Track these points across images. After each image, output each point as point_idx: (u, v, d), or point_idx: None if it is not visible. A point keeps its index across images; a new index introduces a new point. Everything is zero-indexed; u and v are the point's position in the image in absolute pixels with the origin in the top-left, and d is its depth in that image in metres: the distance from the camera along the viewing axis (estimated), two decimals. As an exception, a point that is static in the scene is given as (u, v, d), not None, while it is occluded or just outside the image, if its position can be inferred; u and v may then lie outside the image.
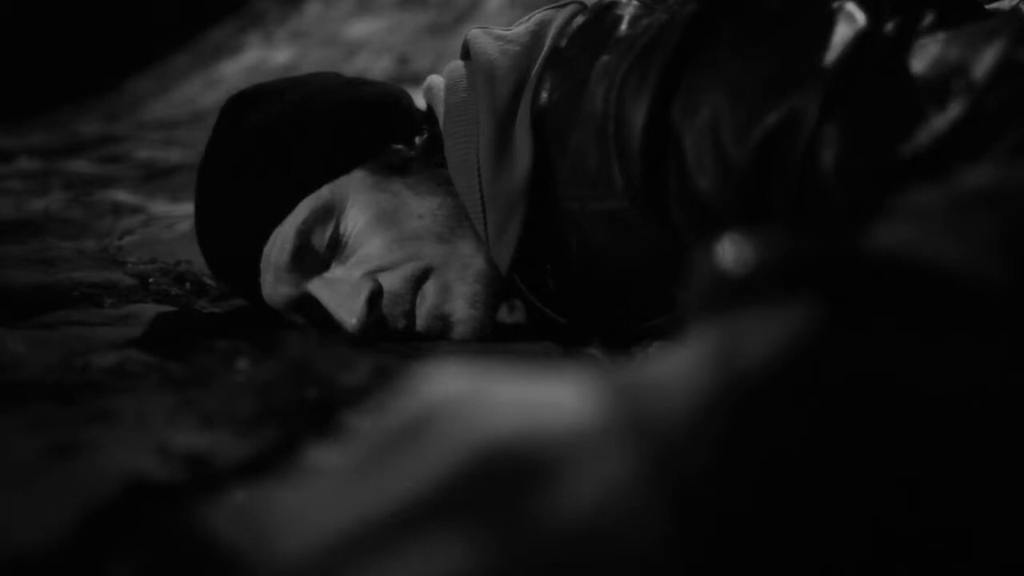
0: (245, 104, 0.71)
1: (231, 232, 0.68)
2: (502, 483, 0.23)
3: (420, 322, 0.67)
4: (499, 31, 0.69)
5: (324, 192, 0.66)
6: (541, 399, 0.26)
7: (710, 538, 0.22)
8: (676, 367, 0.26)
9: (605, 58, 0.57)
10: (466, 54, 0.70)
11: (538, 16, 0.67)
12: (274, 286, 0.67)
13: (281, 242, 0.66)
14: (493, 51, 0.65)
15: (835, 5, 0.50)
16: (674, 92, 0.52)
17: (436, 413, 0.26)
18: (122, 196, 1.59)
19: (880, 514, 0.22)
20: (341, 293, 0.65)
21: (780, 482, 0.22)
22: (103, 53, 3.78)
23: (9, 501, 0.32)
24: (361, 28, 3.34)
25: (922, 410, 0.23)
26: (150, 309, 0.76)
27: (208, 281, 0.90)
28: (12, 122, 2.74)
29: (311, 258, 0.67)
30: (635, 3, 0.59)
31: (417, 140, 0.69)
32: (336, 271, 0.67)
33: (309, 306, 0.68)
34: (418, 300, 0.67)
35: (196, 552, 0.31)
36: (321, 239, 0.66)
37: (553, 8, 0.67)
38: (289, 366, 0.50)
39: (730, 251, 0.28)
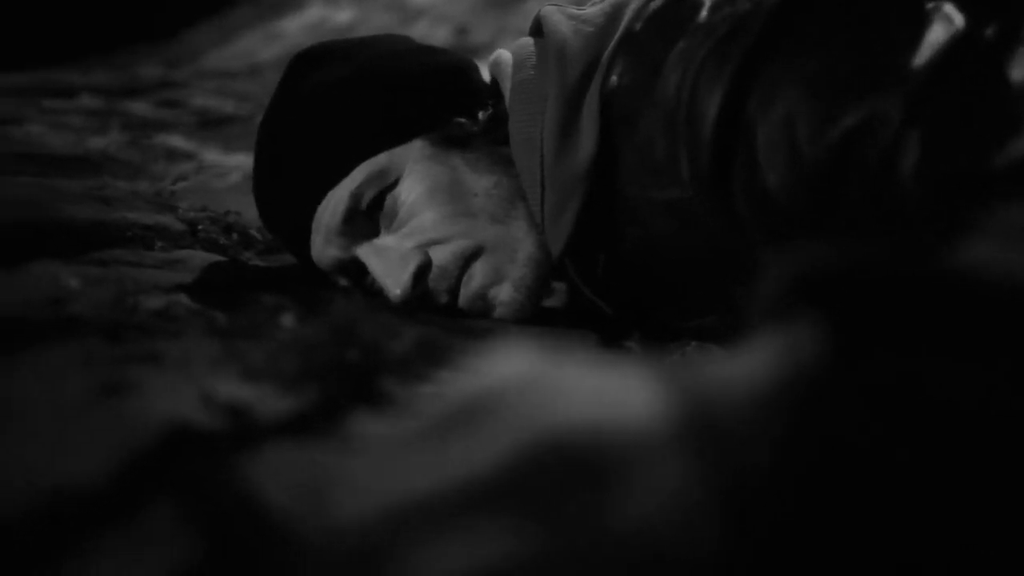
0: (312, 62, 0.71)
1: (287, 189, 0.68)
2: (564, 475, 0.22)
3: (464, 300, 0.66)
4: (573, 10, 0.67)
5: (382, 158, 0.65)
6: (606, 391, 0.26)
7: (762, 540, 0.22)
8: (738, 370, 0.25)
9: (682, 44, 0.55)
10: (536, 31, 0.69)
11: None
12: (323, 247, 0.67)
13: (335, 204, 0.66)
14: (567, 30, 0.64)
15: (932, 4, 0.48)
16: (751, 84, 0.51)
17: (503, 395, 0.26)
18: (177, 141, 1.61)
19: (937, 521, 0.22)
20: (389, 261, 0.65)
21: (833, 489, 0.22)
22: (167, -1, 3.83)
23: (59, 436, 0.32)
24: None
25: (977, 423, 0.23)
26: (198, 256, 0.77)
27: (255, 234, 0.91)
28: (77, 59, 2.79)
29: (362, 223, 0.66)
30: None
31: (480, 115, 0.68)
32: (386, 239, 0.67)
33: (355, 271, 0.69)
34: (465, 278, 0.66)
35: (239, 507, 0.32)
36: (374, 205, 0.66)
37: None
38: (334, 327, 0.50)
39: (794, 259, 0.28)
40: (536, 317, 0.69)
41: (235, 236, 0.90)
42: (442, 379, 0.45)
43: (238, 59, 3.26)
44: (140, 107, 1.96)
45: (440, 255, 0.65)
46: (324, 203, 0.66)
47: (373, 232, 0.67)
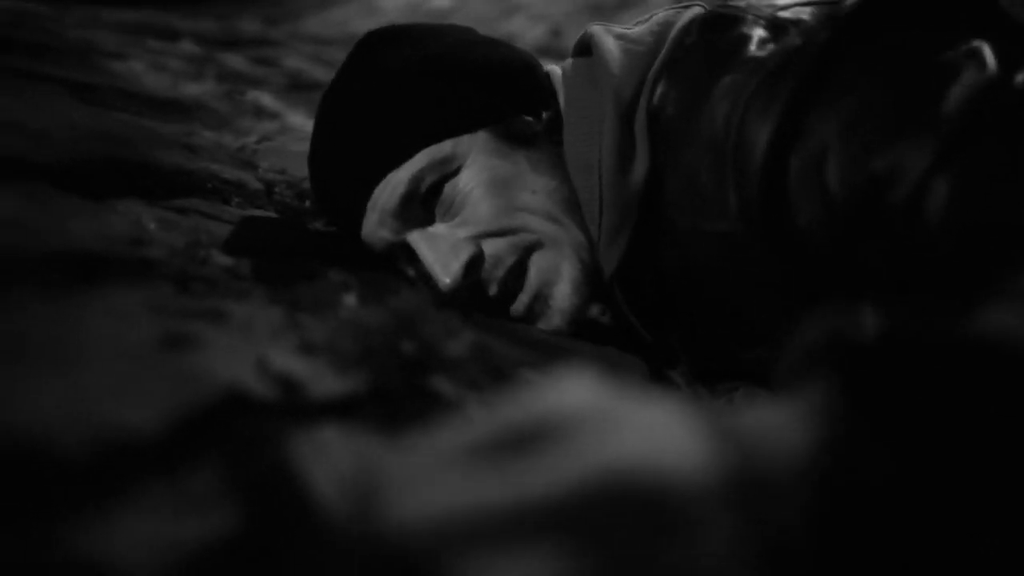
0: (384, 43, 0.71)
1: (346, 166, 0.68)
2: (616, 512, 0.23)
3: (522, 297, 0.66)
4: (620, 29, 0.67)
5: (446, 146, 0.65)
6: (662, 435, 0.27)
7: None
8: (776, 430, 0.27)
9: (729, 78, 0.55)
10: (582, 50, 0.69)
11: (660, 16, 0.66)
12: (376, 228, 0.67)
13: (393, 186, 0.65)
14: (616, 50, 0.64)
15: (968, 48, 0.48)
16: (799, 121, 0.51)
17: (566, 423, 0.26)
18: (265, 100, 1.64)
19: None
20: (440, 250, 0.64)
21: (860, 550, 0.24)
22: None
23: (121, 380, 0.33)
24: (524, -7, 3.33)
25: (1002, 486, 0.24)
26: (271, 219, 0.78)
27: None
28: (184, 5, 2.87)
29: (418, 208, 0.66)
30: (761, 21, 0.57)
31: (544, 115, 0.68)
32: (439, 227, 0.66)
33: (406, 255, 0.68)
34: (524, 275, 0.65)
35: (282, 485, 0.32)
36: (432, 192, 0.65)
37: (675, 8, 0.65)
38: (394, 316, 0.50)
39: (827, 323, 0.29)
40: (581, 333, 0.68)
41: (308, 203, 0.92)
42: (496, 389, 0.44)
43: (334, 27, 3.32)
44: (236, 60, 2.01)
45: (494, 247, 0.65)
46: (383, 184, 0.65)
47: (427, 220, 0.67)
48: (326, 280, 0.56)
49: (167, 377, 0.35)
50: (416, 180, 0.65)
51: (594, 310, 0.74)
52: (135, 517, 0.28)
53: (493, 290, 0.65)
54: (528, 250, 0.65)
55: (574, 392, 0.28)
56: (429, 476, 0.25)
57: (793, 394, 0.28)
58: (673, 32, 0.62)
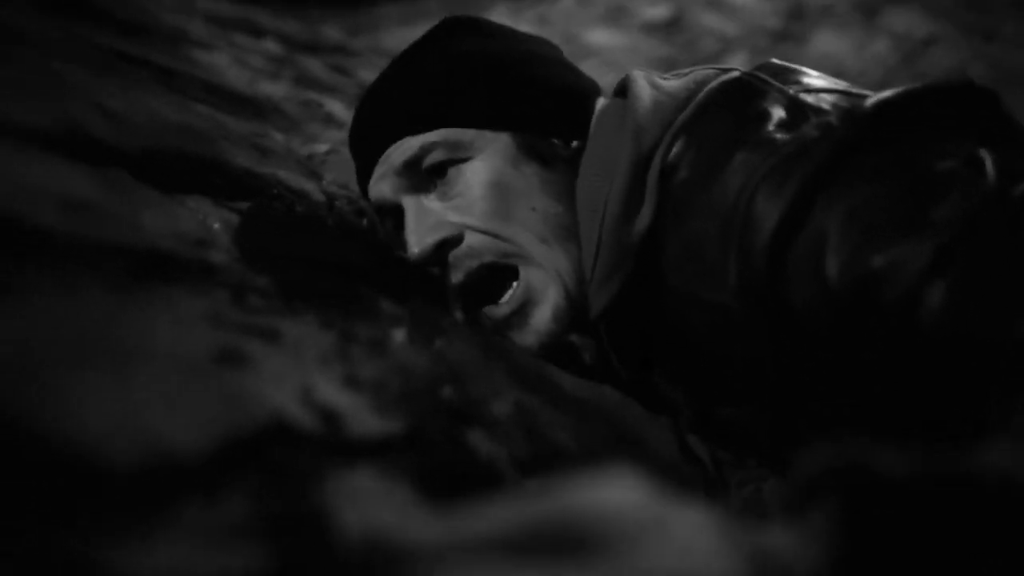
0: (461, 26, 0.75)
1: (378, 118, 0.72)
2: None
3: (503, 306, 0.67)
4: (658, 79, 0.69)
5: (467, 133, 0.68)
6: (697, 556, 0.27)
7: None
8: (804, 555, 0.27)
9: (744, 154, 0.56)
10: (620, 92, 0.71)
11: (699, 74, 0.67)
12: (378, 181, 0.71)
13: (405, 147, 0.68)
14: (647, 98, 0.65)
15: (971, 156, 0.50)
16: (808, 208, 0.53)
17: (605, 529, 0.25)
18: (337, 109, 1.67)
19: None
20: (423, 222, 0.67)
21: None
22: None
23: (173, 394, 0.33)
24: (602, 37, 3.37)
25: None
26: (331, 235, 0.79)
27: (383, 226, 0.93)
28: (274, 4, 2.96)
29: (420, 175, 0.69)
30: (784, 100, 0.59)
31: (573, 144, 0.70)
32: (434, 202, 0.69)
33: (395, 216, 0.72)
34: (507, 281, 0.67)
35: (310, 526, 0.31)
36: (437, 169, 0.68)
37: (715, 69, 0.67)
38: (441, 361, 0.50)
39: (831, 453, 0.30)
40: (560, 357, 0.69)
41: (365, 222, 0.93)
42: (532, 454, 0.43)
43: (412, 45, 3.38)
44: (314, 65, 2.06)
45: (476, 240, 0.67)
46: (398, 143, 0.69)
47: (425, 189, 0.69)
48: (378, 310, 0.56)
49: (216, 396, 0.35)
50: (425, 149, 0.68)
51: (574, 339, 0.75)
52: (168, 541, 0.28)
53: (458, 277, 0.67)
54: (507, 258, 0.67)
55: (614, 494, 0.28)
56: (459, 564, 0.24)
57: (805, 520, 0.30)
58: (702, 93, 0.63)
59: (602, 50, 3.38)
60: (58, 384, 0.29)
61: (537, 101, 0.70)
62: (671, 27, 3.34)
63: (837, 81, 0.63)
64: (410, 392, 0.45)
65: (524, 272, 0.67)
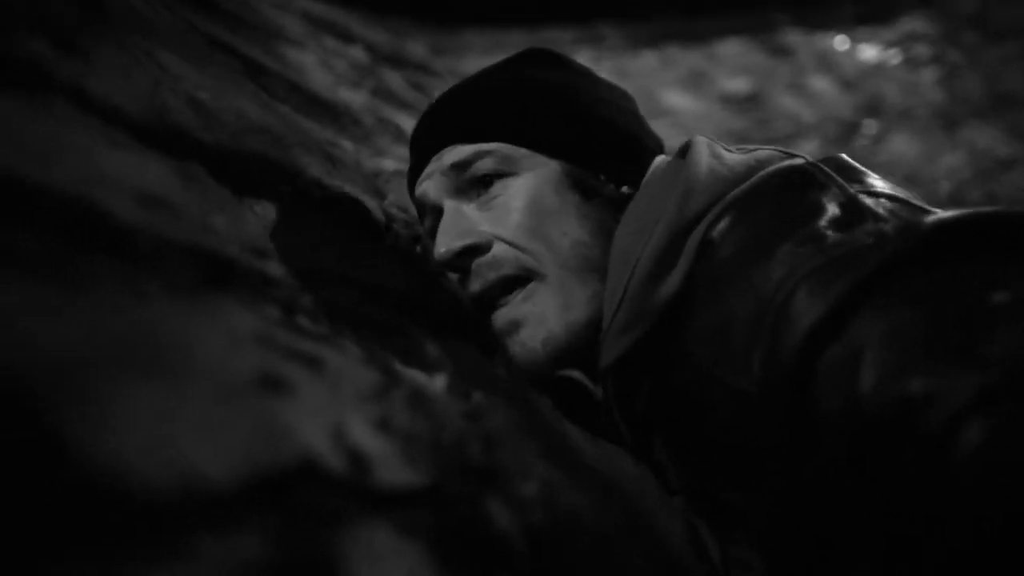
0: (543, 55, 0.77)
1: (447, 116, 0.74)
2: None
3: (504, 312, 0.68)
4: (721, 148, 0.69)
5: (520, 151, 0.70)
6: None
7: None
8: None
9: (792, 246, 0.55)
10: (682, 153, 0.71)
11: (763, 154, 0.67)
12: (426, 179, 0.73)
13: (459, 151, 0.70)
14: (704, 166, 0.65)
15: None
16: (850, 315, 0.51)
17: None
18: (408, 125, 1.70)
19: None
20: (456, 224, 0.69)
21: None
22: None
23: (212, 421, 0.32)
24: (678, 100, 3.38)
25: None
26: (385, 259, 0.79)
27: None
28: (366, 10, 3.03)
29: (465, 181, 0.71)
30: (842, 198, 0.58)
31: (623, 189, 0.71)
32: (472, 209, 0.70)
33: (432, 215, 0.74)
34: (516, 297, 0.68)
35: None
36: (483, 181, 0.70)
37: (781, 152, 0.66)
38: (475, 418, 0.49)
39: None
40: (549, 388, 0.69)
41: (419, 248, 0.93)
42: (550, 535, 0.42)
43: (490, 73, 3.43)
44: (394, 79, 2.10)
45: (503, 251, 0.68)
46: (452, 147, 0.71)
47: (467, 195, 0.71)
48: (423, 352, 0.56)
49: (252, 425, 0.35)
50: (477, 156, 0.70)
51: (575, 374, 0.75)
52: (183, 572, 0.28)
53: (475, 287, 0.69)
54: (525, 276, 0.68)
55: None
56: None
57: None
58: (762, 173, 0.63)
59: (676, 112, 3.40)
60: (102, 396, 0.29)
61: (597, 139, 0.71)
62: (748, 102, 3.35)
63: (901, 190, 0.62)
64: (440, 446, 0.45)
65: (533, 287, 0.68)
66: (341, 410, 0.42)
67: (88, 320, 0.33)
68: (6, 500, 0.24)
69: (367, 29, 2.56)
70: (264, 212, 0.64)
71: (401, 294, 0.71)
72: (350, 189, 0.90)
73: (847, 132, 3.21)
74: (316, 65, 1.56)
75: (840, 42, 3.72)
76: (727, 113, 3.26)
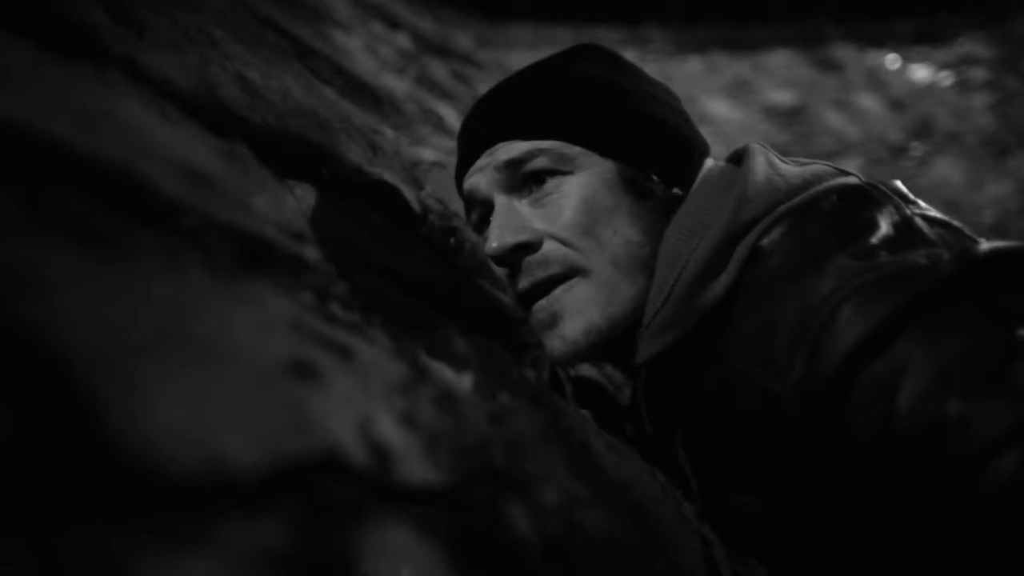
0: (597, 51, 0.77)
1: (500, 112, 0.74)
2: None
3: (544, 304, 0.68)
4: (776, 158, 0.69)
5: (575, 149, 0.69)
6: None
7: None
8: None
9: (843, 259, 0.55)
10: (734, 159, 0.71)
11: (817, 168, 0.67)
12: (476, 173, 0.72)
13: (513, 147, 0.70)
14: (760, 174, 0.65)
15: None
16: (895, 334, 0.51)
17: None
18: (449, 115, 1.70)
19: None
20: (508, 221, 0.69)
21: None
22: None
23: (242, 407, 0.32)
24: (721, 108, 3.35)
25: None
26: (419, 250, 0.79)
27: (470, 250, 0.93)
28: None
29: (519, 177, 0.70)
30: (897, 217, 0.58)
31: (674, 190, 0.70)
32: (525, 205, 0.70)
33: (479, 208, 0.74)
34: (564, 287, 0.68)
35: (338, 571, 0.30)
36: (536, 177, 0.70)
37: (835, 169, 0.67)
38: (502, 423, 0.49)
39: None
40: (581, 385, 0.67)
41: (453, 241, 0.93)
42: (569, 545, 0.42)
43: (534, 68, 3.42)
44: (438, 68, 2.10)
45: (553, 249, 0.68)
46: (507, 143, 0.71)
47: (520, 191, 0.71)
48: (451, 347, 0.55)
49: (281, 411, 0.35)
50: (531, 154, 0.69)
51: (607, 370, 0.74)
52: (200, 556, 0.27)
53: (523, 284, 0.69)
54: (570, 273, 0.68)
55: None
56: None
57: None
58: (818, 188, 0.63)
59: (718, 120, 3.36)
60: (138, 371, 0.29)
61: (650, 139, 0.71)
62: (792, 115, 3.30)
63: (951, 219, 0.62)
64: (464, 447, 0.44)
65: (577, 281, 0.68)
66: (369, 403, 0.42)
67: (129, 293, 0.33)
68: (39, 463, 0.24)
69: (415, 16, 2.56)
70: (303, 195, 0.64)
71: (433, 286, 0.70)
72: (389, 177, 0.90)
73: (892, 153, 3.15)
74: (362, 50, 1.57)
75: (891, 60, 3.65)
76: (770, 125, 3.22)
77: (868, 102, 3.41)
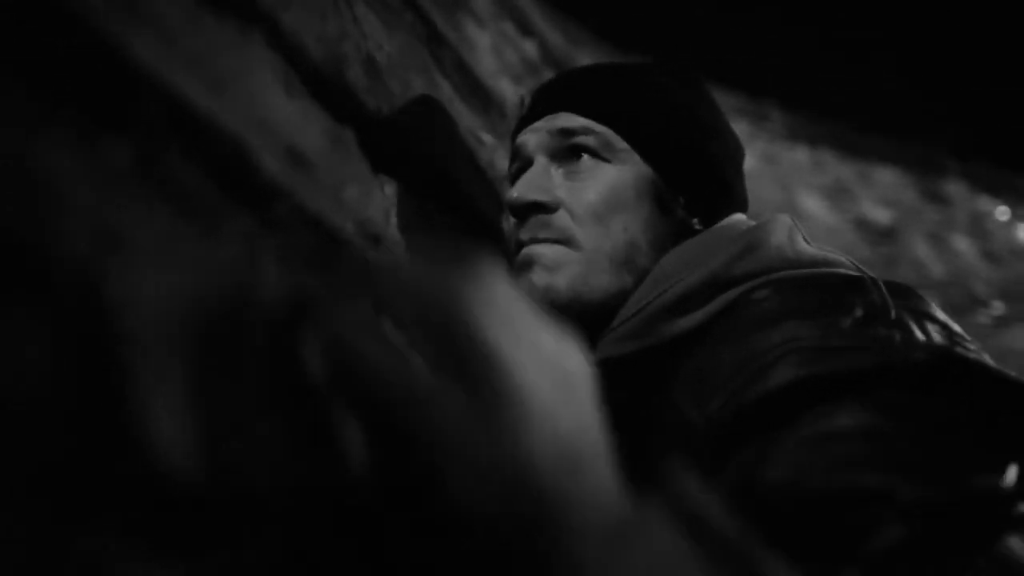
0: (684, 78, 0.80)
1: (577, 89, 0.78)
2: None
3: (526, 251, 0.72)
4: (800, 236, 0.70)
5: (623, 143, 0.73)
6: None
7: None
8: None
9: (803, 322, 0.57)
10: (762, 223, 0.73)
11: (832, 256, 0.69)
12: (531, 131, 0.76)
13: (571, 120, 0.74)
14: (774, 240, 0.68)
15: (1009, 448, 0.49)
16: (833, 396, 0.52)
17: None
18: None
19: None
20: (538, 179, 0.73)
21: None
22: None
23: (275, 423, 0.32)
24: (812, 204, 3.28)
25: None
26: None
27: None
28: (552, 6, 3.04)
29: (565, 146, 0.74)
30: (876, 305, 0.58)
31: (695, 221, 0.73)
32: (558, 173, 0.74)
33: (520, 161, 0.77)
34: (548, 245, 0.71)
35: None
36: (581, 148, 0.74)
37: (852, 263, 0.68)
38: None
39: None
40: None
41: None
42: None
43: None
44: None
45: (562, 217, 0.72)
46: (570, 114, 0.75)
47: (560, 160, 0.75)
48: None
49: (312, 432, 0.34)
50: (585, 130, 0.73)
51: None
52: (194, 572, 0.27)
53: (524, 236, 0.72)
54: (569, 241, 0.71)
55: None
56: None
57: None
58: (824, 270, 0.65)
59: (803, 215, 3.30)
60: (184, 369, 0.29)
61: (695, 168, 0.74)
62: (883, 235, 3.22)
63: (952, 321, 0.61)
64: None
65: (565, 249, 0.71)
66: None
67: (202, 276, 0.33)
68: (78, 448, 0.24)
69: (547, 25, 2.57)
70: (391, 193, 0.64)
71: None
72: (476, 189, 0.90)
73: (971, 303, 3.05)
74: (488, 49, 1.57)
75: (1001, 212, 3.53)
76: (857, 237, 3.15)
77: (964, 246, 3.31)
